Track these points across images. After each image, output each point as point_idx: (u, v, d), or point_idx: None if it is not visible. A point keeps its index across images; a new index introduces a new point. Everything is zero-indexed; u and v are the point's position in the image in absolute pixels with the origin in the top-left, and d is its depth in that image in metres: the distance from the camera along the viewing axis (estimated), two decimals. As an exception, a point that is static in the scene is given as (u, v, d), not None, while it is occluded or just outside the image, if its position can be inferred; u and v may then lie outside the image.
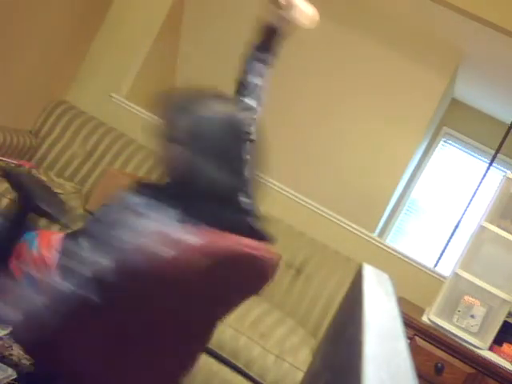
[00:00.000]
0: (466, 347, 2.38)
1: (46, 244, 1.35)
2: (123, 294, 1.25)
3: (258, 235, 1.35)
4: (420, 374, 2.33)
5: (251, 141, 1.38)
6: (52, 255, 1.30)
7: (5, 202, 2.45)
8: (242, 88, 1.57)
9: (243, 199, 1.36)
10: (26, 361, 1.92)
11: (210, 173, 1.29)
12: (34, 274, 1.20)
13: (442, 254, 3.96)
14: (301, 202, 3.07)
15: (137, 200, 1.23)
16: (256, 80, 1.59)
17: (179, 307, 1.30)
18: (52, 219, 1.56)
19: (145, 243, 1.18)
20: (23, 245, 1.37)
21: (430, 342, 2.40)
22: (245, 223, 1.34)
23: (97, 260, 1.16)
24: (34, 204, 1.43)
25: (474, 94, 4.26)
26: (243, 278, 1.32)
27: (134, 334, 1.30)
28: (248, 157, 1.37)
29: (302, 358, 2.24)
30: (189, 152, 1.27)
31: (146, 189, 1.30)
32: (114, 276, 1.16)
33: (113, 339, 1.30)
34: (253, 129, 1.41)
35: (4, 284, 1.22)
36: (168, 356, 1.36)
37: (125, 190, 1.29)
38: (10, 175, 1.57)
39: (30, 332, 1.15)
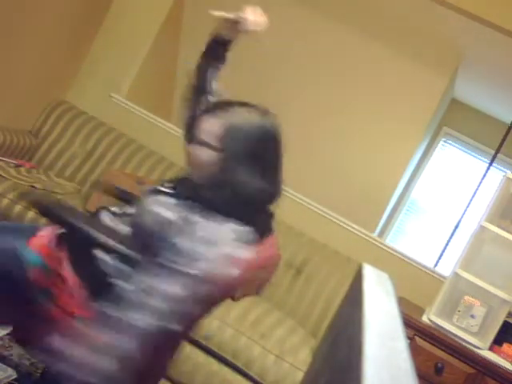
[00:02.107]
0: (466, 347, 2.38)
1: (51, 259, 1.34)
2: (196, 317, 1.30)
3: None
4: (420, 374, 2.32)
5: (281, 146, 1.41)
6: (67, 272, 1.30)
7: (5, 202, 2.45)
8: (209, 95, 1.59)
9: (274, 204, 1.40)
10: (26, 361, 1.92)
11: (250, 179, 1.31)
12: (110, 313, 1.14)
13: (442, 254, 3.96)
14: (301, 202, 3.07)
15: (195, 218, 1.24)
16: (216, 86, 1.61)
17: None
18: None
19: (213, 268, 1.19)
20: (41, 273, 1.31)
21: (430, 342, 2.40)
22: (272, 226, 1.40)
23: (170, 291, 1.16)
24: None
25: (474, 93, 4.26)
26: (270, 276, 1.38)
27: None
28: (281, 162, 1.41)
29: (301, 357, 2.24)
30: (228, 158, 1.29)
31: (193, 201, 1.29)
32: (188, 305, 1.18)
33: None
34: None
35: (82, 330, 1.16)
36: (167, 352, 1.37)
37: (179, 206, 1.28)
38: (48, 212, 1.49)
39: (126, 376, 1.13)
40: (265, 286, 1.50)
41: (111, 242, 1.27)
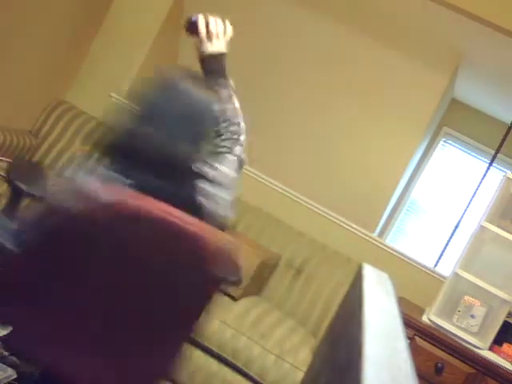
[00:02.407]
0: (466, 347, 2.38)
1: None
2: (40, 248, 1.28)
3: (202, 215, 1.34)
4: (420, 374, 2.33)
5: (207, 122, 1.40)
6: None
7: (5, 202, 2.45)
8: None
9: (198, 178, 1.37)
10: (26, 361, 1.92)
11: (147, 136, 1.33)
12: None
13: (442, 254, 3.96)
14: (301, 202, 3.07)
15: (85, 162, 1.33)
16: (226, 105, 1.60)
17: (101, 272, 1.30)
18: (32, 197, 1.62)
19: (59, 198, 1.24)
20: None
21: (430, 342, 2.40)
22: (188, 199, 1.34)
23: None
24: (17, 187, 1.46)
25: (474, 93, 4.26)
26: (161, 245, 1.27)
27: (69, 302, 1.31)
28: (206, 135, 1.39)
29: (301, 357, 2.24)
30: (137, 119, 1.33)
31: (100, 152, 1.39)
32: (30, 228, 1.25)
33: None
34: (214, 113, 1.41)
35: None
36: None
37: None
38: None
39: None
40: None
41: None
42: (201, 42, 1.61)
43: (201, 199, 1.36)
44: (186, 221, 1.22)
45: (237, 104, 1.58)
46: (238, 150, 1.52)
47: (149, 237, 1.25)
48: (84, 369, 1.31)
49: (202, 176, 1.38)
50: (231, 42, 1.70)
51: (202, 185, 1.38)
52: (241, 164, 1.54)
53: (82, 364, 1.31)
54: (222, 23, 1.66)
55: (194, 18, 1.62)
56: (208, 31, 1.62)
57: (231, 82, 1.61)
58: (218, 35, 1.63)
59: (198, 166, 1.38)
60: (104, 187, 1.25)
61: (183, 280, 1.29)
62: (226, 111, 1.53)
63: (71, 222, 1.23)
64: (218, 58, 1.61)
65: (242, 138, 1.54)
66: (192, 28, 1.63)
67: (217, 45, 1.61)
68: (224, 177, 1.45)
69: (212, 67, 1.60)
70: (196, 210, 1.32)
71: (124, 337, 1.32)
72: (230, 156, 1.49)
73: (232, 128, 1.52)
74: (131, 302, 1.30)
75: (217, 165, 1.43)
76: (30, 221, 1.26)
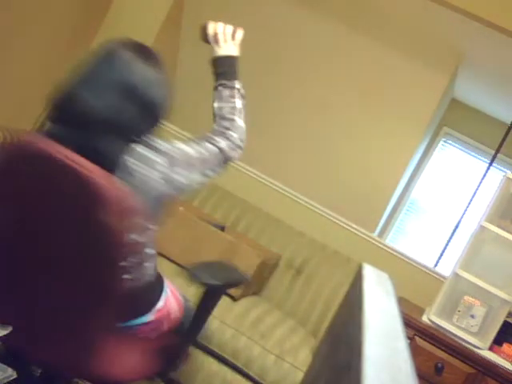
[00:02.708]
0: (466, 347, 2.38)
1: None
2: None
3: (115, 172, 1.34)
4: (420, 374, 2.33)
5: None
6: None
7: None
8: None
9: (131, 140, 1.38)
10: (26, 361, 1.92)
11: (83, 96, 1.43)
12: None
13: (442, 254, 3.96)
14: (301, 202, 3.07)
15: None
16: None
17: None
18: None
19: None
20: None
21: (430, 342, 2.40)
22: (109, 154, 1.35)
23: None
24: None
25: (474, 93, 4.26)
26: (53, 184, 1.30)
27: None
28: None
29: (301, 357, 2.24)
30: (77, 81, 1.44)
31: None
32: None
33: None
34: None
35: None
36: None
37: None
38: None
39: None
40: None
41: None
42: (212, 46, 1.68)
43: (128, 158, 1.35)
44: (86, 167, 1.23)
45: (238, 104, 1.60)
46: (223, 143, 1.53)
47: (46, 176, 1.31)
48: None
49: (138, 142, 1.38)
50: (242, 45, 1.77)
51: (138, 149, 1.37)
52: (225, 159, 1.54)
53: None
54: (230, 28, 1.72)
55: (204, 25, 1.71)
56: (216, 36, 1.69)
57: (238, 85, 1.65)
58: (226, 39, 1.69)
59: (132, 136, 1.39)
60: (28, 137, 1.35)
61: (71, 223, 1.29)
62: (223, 109, 1.58)
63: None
64: (225, 60, 1.67)
65: (234, 134, 1.56)
66: (204, 35, 1.71)
67: (225, 49, 1.68)
68: (179, 153, 1.43)
69: (219, 70, 1.66)
70: (114, 167, 1.34)
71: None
72: (209, 145, 1.51)
73: (224, 123, 1.57)
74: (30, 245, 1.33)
75: (164, 142, 1.43)
76: None
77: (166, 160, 1.40)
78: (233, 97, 1.60)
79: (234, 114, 1.58)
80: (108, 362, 1.36)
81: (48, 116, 1.44)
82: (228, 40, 1.69)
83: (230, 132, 1.56)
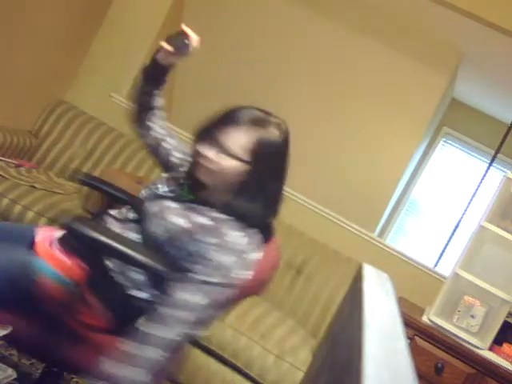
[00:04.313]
0: (466, 347, 2.38)
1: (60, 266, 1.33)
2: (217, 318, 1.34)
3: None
4: (420, 374, 2.33)
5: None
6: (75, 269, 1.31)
7: (5, 202, 2.45)
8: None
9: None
10: (26, 361, 1.92)
11: (277, 191, 1.45)
12: (141, 329, 1.19)
13: (442, 254, 3.96)
14: (301, 202, 3.07)
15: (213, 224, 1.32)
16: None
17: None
18: None
19: (232, 274, 1.25)
20: (53, 285, 1.30)
21: (430, 342, 2.40)
22: (274, 228, 1.46)
23: (193, 301, 1.21)
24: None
25: (474, 94, 4.26)
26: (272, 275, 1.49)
27: None
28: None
29: (302, 357, 2.24)
30: (259, 171, 1.36)
31: (225, 209, 1.35)
32: (211, 311, 1.25)
33: None
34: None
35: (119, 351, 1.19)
36: None
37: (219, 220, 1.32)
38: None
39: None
40: (267, 286, 1.53)
41: (143, 259, 1.28)
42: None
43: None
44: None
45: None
46: None
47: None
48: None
49: None
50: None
51: None
52: None
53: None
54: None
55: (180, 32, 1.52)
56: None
57: None
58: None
59: None
60: (256, 246, 1.33)
61: None
62: None
63: (247, 288, 1.34)
64: None
65: None
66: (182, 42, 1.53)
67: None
68: None
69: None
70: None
71: None
72: None
73: None
74: None
75: None
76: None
77: None
78: None
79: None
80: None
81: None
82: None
83: None
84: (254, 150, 1.32)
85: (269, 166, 1.38)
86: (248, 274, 1.28)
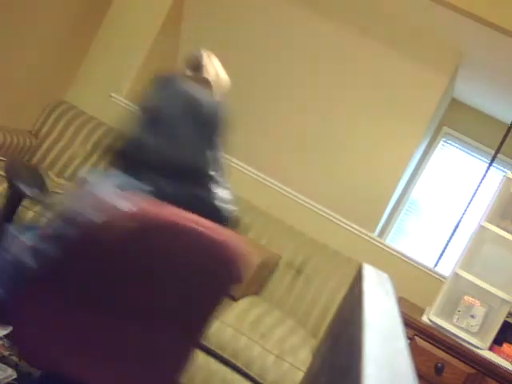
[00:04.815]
0: (466, 347, 2.38)
1: None
2: (63, 262, 1.26)
3: (221, 219, 1.35)
4: (420, 374, 2.33)
5: (213, 122, 1.40)
6: None
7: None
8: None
9: (210, 180, 1.38)
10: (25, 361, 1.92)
11: (160, 146, 1.35)
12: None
13: (442, 254, 3.96)
14: (301, 202, 3.07)
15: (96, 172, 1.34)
16: None
17: (126, 280, 1.28)
18: (33, 200, 1.62)
19: (79, 209, 1.21)
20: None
21: (430, 342, 2.40)
22: (204, 203, 1.35)
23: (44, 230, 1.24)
24: (18, 189, 1.43)
25: (474, 93, 4.26)
26: (186, 253, 1.27)
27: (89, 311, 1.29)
28: (214, 139, 1.40)
29: (302, 357, 2.24)
30: (145, 124, 1.35)
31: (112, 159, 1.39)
32: (49, 243, 1.21)
33: (70, 314, 1.30)
34: (211, 111, 1.41)
35: None
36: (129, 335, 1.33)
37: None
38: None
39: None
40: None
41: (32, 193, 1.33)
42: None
43: (218, 203, 1.37)
44: (214, 229, 1.22)
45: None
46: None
47: (176, 247, 1.24)
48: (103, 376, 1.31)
49: (215, 180, 1.39)
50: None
51: (215, 189, 1.39)
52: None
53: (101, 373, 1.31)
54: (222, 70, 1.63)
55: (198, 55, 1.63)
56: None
57: None
58: (219, 80, 1.61)
59: (211, 171, 1.39)
60: (123, 195, 1.24)
61: (209, 287, 1.29)
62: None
63: (93, 234, 1.21)
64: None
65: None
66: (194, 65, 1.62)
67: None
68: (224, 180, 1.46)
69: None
70: (215, 214, 1.32)
71: (144, 342, 1.32)
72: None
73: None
74: (155, 310, 1.30)
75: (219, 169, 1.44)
76: (49, 235, 1.23)
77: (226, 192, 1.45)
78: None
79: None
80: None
81: (122, 161, 1.36)
82: (219, 84, 1.62)
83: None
84: (150, 104, 1.46)
85: (158, 118, 1.42)
86: (98, 216, 1.20)
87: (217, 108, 1.43)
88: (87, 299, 1.25)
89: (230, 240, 1.23)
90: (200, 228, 1.20)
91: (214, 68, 1.62)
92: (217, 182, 1.41)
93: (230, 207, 1.42)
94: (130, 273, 1.25)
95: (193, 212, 1.23)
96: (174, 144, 1.35)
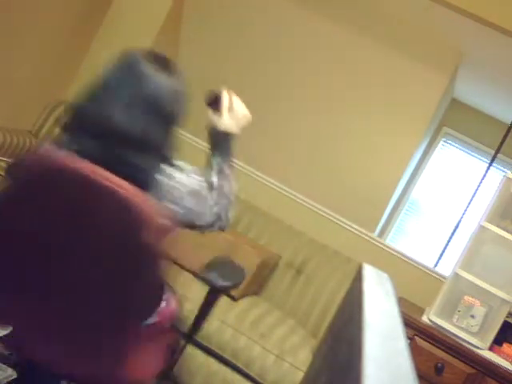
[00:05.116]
0: (466, 347, 2.38)
1: None
2: None
3: (156, 193, 1.34)
4: (420, 374, 2.33)
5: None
6: None
7: None
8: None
9: (161, 157, 1.38)
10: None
11: (94, 109, 1.43)
12: None
13: (442, 254, 3.96)
14: (301, 202, 3.07)
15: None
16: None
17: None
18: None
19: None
20: None
21: (430, 342, 2.40)
22: (138, 170, 1.34)
23: None
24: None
25: (474, 94, 4.26)
26: (88, 203, 1.27)
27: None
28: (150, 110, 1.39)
29: (302, 357, 2.24)
30: (89, 92, 1.45)
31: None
32: None
33: None
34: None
35: None
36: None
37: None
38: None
39: None
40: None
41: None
42: (215, 114, 1.62)
43: (159, 177, 1.35)
44: (117, 183, 1.22)
45: (233, 184, 1.60)
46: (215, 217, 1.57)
47: (73, 193, 1.28)
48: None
49: (170, 162, 1.39)
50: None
51: (172, 172, 1.38)
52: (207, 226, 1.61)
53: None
54: (241, 105, 1.64)
55: (217, 92, 1.63)
56: (227, 108, 1.62)
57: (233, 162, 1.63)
58: (235, 115, 1.62)
59: (167, 153, 1.39)
60: (49, 149, 1.33)
61: (109, 243, 1.27)
62: (223, 187, 1.57)
63: (19, 177, 1.32)
64: (226, 136, 1.61)
65: (229, 215, 1.59)
66: (213, 101, 1.64)
67: (229, 123, 1.61)
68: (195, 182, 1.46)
69: (219, 144, 1.61)
70: (147, 185, 1.32)
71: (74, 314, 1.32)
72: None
73: (223, 200, 1.56)
74: (58, 261, 1.30)
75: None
76: None
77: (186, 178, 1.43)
78: (230, 175, 1.59)
79: (231, 195, 1.57)
80: (130, 366, 1.36)
81: (64, 126, 1.41)
82: (235, 116, 1.62)
83: (226, 213, 1.57)
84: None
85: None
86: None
87: (169, 89, 1.42)
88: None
89: (136, 199, 1.22)
90: (103, 181, 1.21)
91: (231, 101, 1.62)
92: (173, 166, 1.40)
93: (183, 191, 1.39)
94: (39, 217, 1.30)
95: (117, 175, 1.23)
96: (108, 107, 1.40)
